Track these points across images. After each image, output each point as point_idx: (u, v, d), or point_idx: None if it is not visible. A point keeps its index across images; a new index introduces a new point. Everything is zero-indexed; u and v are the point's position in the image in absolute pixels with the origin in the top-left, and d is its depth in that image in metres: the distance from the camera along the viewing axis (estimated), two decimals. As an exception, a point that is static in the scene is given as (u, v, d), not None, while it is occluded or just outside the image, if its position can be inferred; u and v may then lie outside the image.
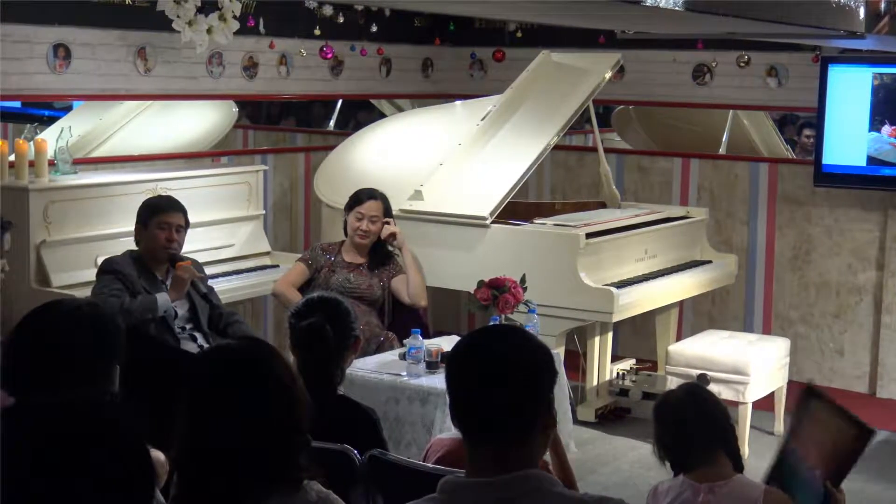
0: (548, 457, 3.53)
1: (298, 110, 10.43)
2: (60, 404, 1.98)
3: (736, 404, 6.31)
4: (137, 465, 1.93)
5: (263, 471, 2.49)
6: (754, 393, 6.50)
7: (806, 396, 3.47)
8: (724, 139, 8.74)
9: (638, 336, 8.20)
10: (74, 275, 6.00)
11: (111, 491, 1.87)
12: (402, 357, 5.48)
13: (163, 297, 5.48)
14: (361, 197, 6.37)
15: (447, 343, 5.54)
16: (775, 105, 8.35)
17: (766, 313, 8.13)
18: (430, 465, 3.69)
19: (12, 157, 6.16)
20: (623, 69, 8.19)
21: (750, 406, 6.47)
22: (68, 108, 8.20)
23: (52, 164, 6.28)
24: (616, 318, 6.56)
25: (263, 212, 7.38)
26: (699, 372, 6.47)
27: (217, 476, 2.48)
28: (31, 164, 6.13)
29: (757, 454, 5.95)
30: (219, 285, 6.24)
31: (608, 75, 7.38)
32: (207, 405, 2.54)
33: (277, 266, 7.03)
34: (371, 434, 3.99)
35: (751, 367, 6.47)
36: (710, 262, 7.57)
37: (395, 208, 6.55)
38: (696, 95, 8.33)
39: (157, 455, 2.78)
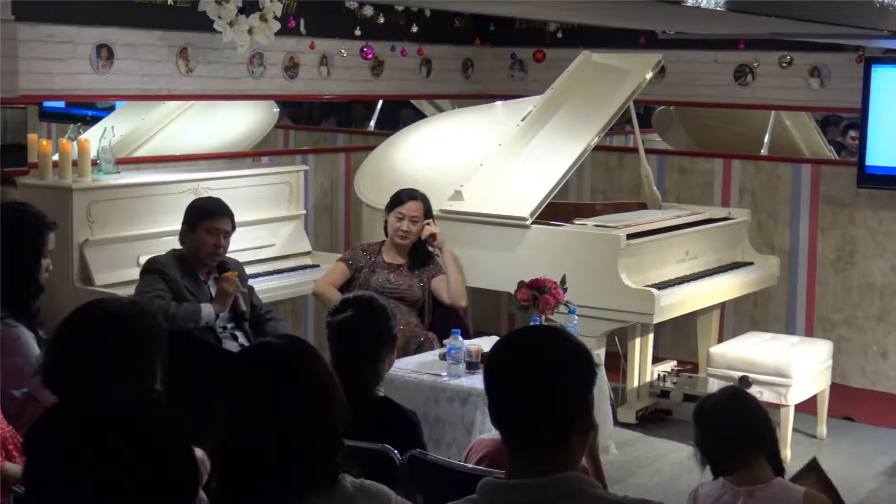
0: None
1: (339, 110, 10.45)
2: (103, 403, 1.99)
3: (778, 407, 6.28)
4: (182, 463, 1.93)
5: (301, 469, 2.50)
6: (796, 396, 6.45)
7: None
8: (766, 140, 8.69)
9: (679, 337, 8.16)
10: (117, 274, 6.04)
11: (156, 490, 1.87)
12: (443, 357, 5.48)
13: (207, 309, 5.50)
14: (402, 197, 6.37)
15: (487, 343, 5.53)
16: (818, 106, 8.29)
17: (808, 315, 8.07)
18: (469, 465, 3.69)
19: (56, 157, 6.21)
20: (664, 69, 8.16)
21: (792, 409, 6.43)
22: (111, 109, 8.26)
23: (95, 163, 6.32)
24: (657, 319, 6.53)
25: (304, 212, 7.40)
26: (741, 374, 6.44)
27: (255, 474, 2.49)
28: (75, 163, 6.17)
29: (798, 457, 5.90)
30: (259, 285, 6.26)
31: (649, 76, 7.35)
32: (245, 404, 2.55)
33: (318, 266, 7.05)
34: (411, 437, 3.99)
35: (793, 369, 6.42)
36: (751, 263, 7.52)
37: (435, 209, 6.55)
38: (738, 96, 8.28)
39: (198, 453, 2.80)
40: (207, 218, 5.61)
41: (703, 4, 3.73)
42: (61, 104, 8.48)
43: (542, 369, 2.35)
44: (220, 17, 6.66)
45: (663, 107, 9.14)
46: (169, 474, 1.90)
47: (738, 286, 7.33)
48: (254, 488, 2.49)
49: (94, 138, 6.52)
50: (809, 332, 7.96)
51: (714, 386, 6.48)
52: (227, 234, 5.66)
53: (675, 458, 6.47)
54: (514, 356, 2.42)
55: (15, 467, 3.75)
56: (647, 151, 8.02)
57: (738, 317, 8.22)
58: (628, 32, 8.28)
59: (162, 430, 1.93)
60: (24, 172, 5.88)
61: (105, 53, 6.57)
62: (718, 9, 3.80)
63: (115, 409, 1.95)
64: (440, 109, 9.12)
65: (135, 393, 2.17)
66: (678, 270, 6.95)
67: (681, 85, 8.46)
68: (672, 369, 7.32)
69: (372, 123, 10.01)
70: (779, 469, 3.61)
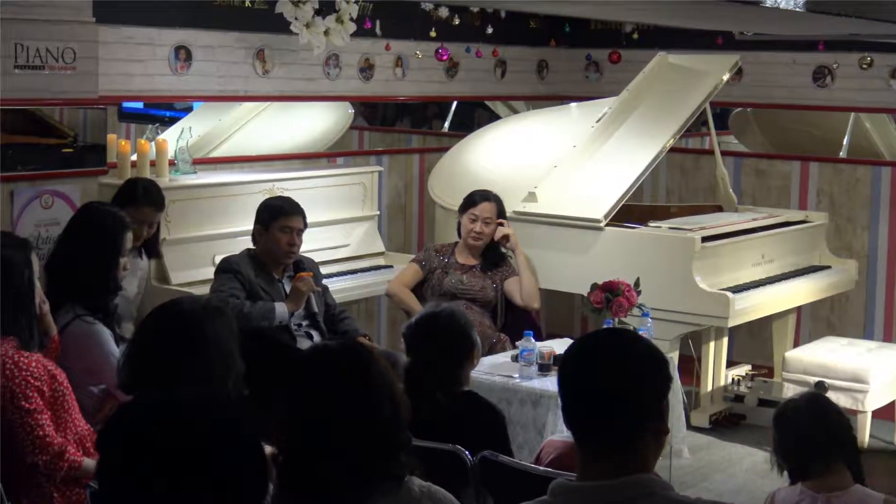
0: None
1: (413, 111, 10.48)
2: (175, 401, 2.01)
3: (855, 413, 6.19)
4: (252, 462, 1.95)
5: (365, 469, 2.51)
6: (874, 402, 6.36)
7: None
8: (844, 142, 8.57)
9: (754, 341, 8.07)
10: (193, 273, 6.10)
11: (226, 487, 1.89)
12: (515, 359, 5.47)
13: (281, 309, 5.55)
14: (475, 198, 6.38)
15: (560, 345, 5.52)
16: (899, 108, 8.17)
17: (887, 320, 7.95)
18: (541, 467, 3.68)
19: (134, 157, 6.29)
20: (741, 71, 8.09)
21: (869, 415, 6.34)
22: (189, 109, 8.35)
23: (172, 163, 6.39)
24: (732, 323, 6.48)
25: (378, 212, 7.42)
26: (817, 379, 6.36)
27: (318, 474, 2.50)
28: (153, 163, 6.25)
29: (876, 464, 5.84)
30: (333, 285, 6.30)
31: (726, 77, 7.29)
32: (308, 405, 2.57)
33: (391, 266, 7.07)
34: (494, 428, 4.04)
35: (870, 375, 6.34)
36: (829, 267, 7.43)
37: (508, 210, 6.55)
38: (817, 98, 8.18)
39: (269, 451, 2.82)
40: (281, 216, 5.66)
41: (782, 5, 3.69)
42: (140, 105, 8.59)
43: (616, 372, 2.34)
44: (296, 18, 6.71)
45: (740, 108, 9.06)
46: (239, 472, 1.91)
47: (815, 290, 7.25)
48: (316, 488, 2.50)
49: (172, 139, 6.60)
50: (888, 338, 7.83)
51: (789, 391, 6.42)
52: (300, 232, 5.71)
53: (748, 464, 6.41)
54: (589, 358, 2.41)
55: (92, 463, 3.80)
56: (724, 153, 7.96)
57: (814, 321, 8.11)
58: (705, 33, 8.22)
59: (233, 428, 1.94)
60: (104, 172, 5.96)
61: (183, 55, 6.65)
62: (797, 9, 3.76)
63: (187, 408, 1.97)
64: (514, 111, 9.11)
65: (207, 391, 2.19)
66: (754, 274, 6.88)
67: (758, 86, 8.37)
68: (747, 373, 7.25)
69: (446, 125, 10.02)
70: (858, 476, 3.57)
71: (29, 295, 4.02)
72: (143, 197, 5.56)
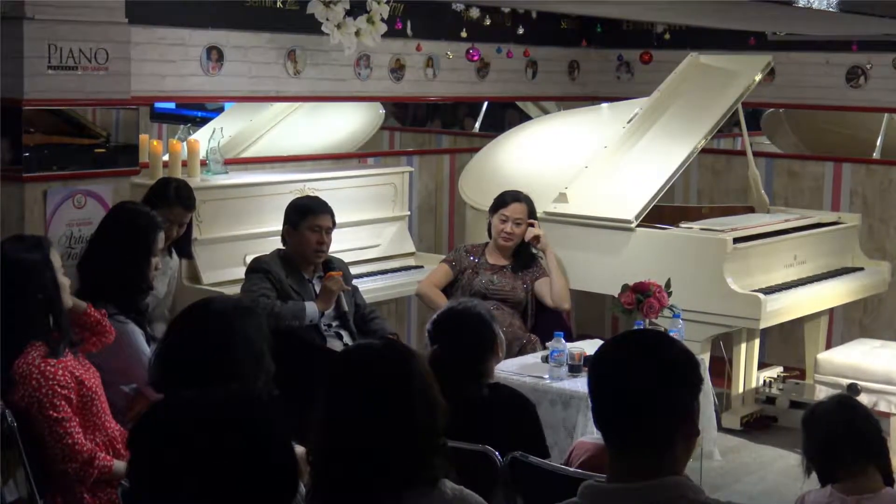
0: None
1: (444, 112, 10.48)
2: (204, 400, 2.01)
3: (888, 416, 6.15)
4: (282, 461, 1.95)
5: (398, 470, 2.51)
6: (907, 404, 6.32)
7: None
8: (878, 143, 8.52)
9: (786, 343, 8.03)
10: (224, 272, 6.12)
11: (256, 487, 1.89)
12: (545, 360, 5.46)
13: (311, 308, 5.56)
14: (506, 199, 6.37)
15: (590, 346, 5.51)
16: (933, 108, 8.11)
17: (920, 322, 7.89)
18: (571, 468, 3.68)
19: (166, 157, 6.31)
20: (773, 71, 8.04)
21: (902, 417, 6.30)
22: (220, 110, 8.39)
23: (203, 164, 6.42)
24: (763, 324, 6.45)
25: (409, 213, 7.43)
26: (849, 381, 6.32)
27: (352, 473, 2.50)
28: (184, 163, 6.27)
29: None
30: (364, 285, 6.31)
31: (758, 77, 7.25)
32: (344, 404, 2.57)
33: (422, 267, 7.07)
34: (525, 416, 4.04)
35: (904, 377, 6.29)
36: (862, 269, 7.38)
37: (539, 211, 6.54)
38: (850, 98, 8.13)
39: (299, 450, 2.82)
40: (309, 215, 5.68)
41: (815, 5, 3.67)
42: (172, 105, 8.63)
43: (647, 374, 2.33)
44: (327, 19, 6.72)
45: (772, 109, 9.02)
46: (269, 471, 1.92)
47: (848, 292, 7.20)
48: (350, 487, 2.50)
49: (204, 139, 6.62)
50: (921, 340, 7.78)
51: (822, 393, 6.38)
52: (329, 231, 5.73)
53: (780, 466, 6.38)
54: (620, 359, 2.40)
55: (123, 465, 3.82)
56: (756, 154, 7.92)
57: (847, 323, 8.06)
58: (737, 33, 8.18)
59: (263, 428, 1.95)
60: (136, 172, 5.99)
61: (215, 55, 6.67)
62: (830, 10, 3.74)
63: (217, 407, 1.98)
64: (545, 111, 9.09)
65: (236, 390, 2.20)
66: (786, 275, 6.85)
67: (791, 87, 8.33)
68: (778, 375, 7.22)
69: (477, 125, 10.02)
70: (889, 479, 3.55)
71: (54, 295, 4.02)
72: (175, 197, 5.59)
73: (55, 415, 3.81)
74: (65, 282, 4.12)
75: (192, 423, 1.93)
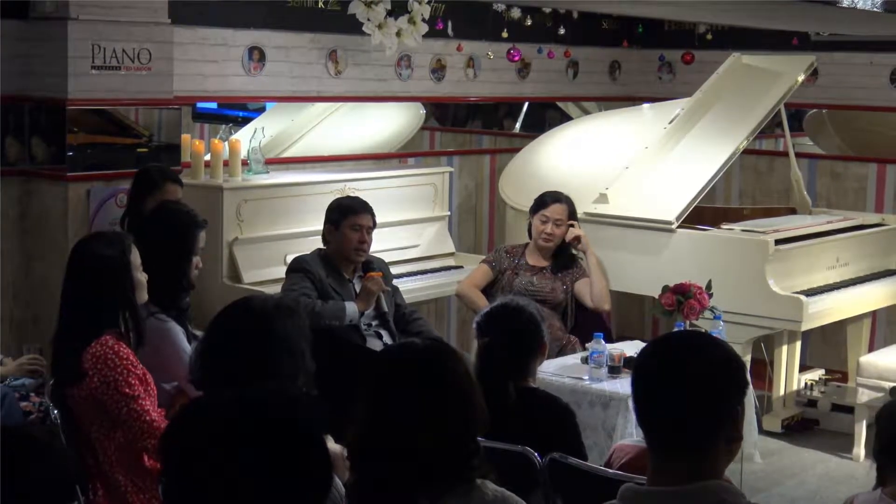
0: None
1: (485, 112, 10.48)
2: (239, 399, 2.02)
3: (930, 420, 6.08)
4: (315, 460, 1.95)
5: (438, 469, 2.51)
6: (951, 408, 6.25)
7: None
8: (923, 144, 8.45)
9: (828, 346, 7.97)
10: (264, 272, 6.15)
11: (289, 486, 1.90)
12: (585, 361, 5.45)
13: (352, 308, 5.57)
14: (546, 200, 6.36)
15: (630, 348, 5.49)
16: (979, 109, 8.03)
17: (964, 326, 7.82)
18: (611, 470, 3.67)
19: (208, 157, 6.35)
20: (817, 72, 7.99)
21: (946, 422, 6.23)
22: (262, 110, 8.42)
23: (245, 163, 6.45)
24: (805, 326, 6.41)
25: (449, 213, 7.43)
26: (892, 385, 6.27)
27: (392, 473, 2.51)
28: (226, 163, 6.30)
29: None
30: (404, 285, 6.31)
31: (801, 78, 7.20)
32: (385, 403, 2.57)
33: (461, 267, 7.07)
34: (563, 423, 4.04)
35: (947, 381, 6.23)
36: (905, 271, 7.32)
37: (579, 211, 6.52)
38: (894, 99, 8.06)
39: (338, 449, 2.83)
40: (350, 215, 5.69)
41: (860, 5, 3.65)
42: (214, 105, 8.67)
43: (693, 375, 2.31)
44: (369, 19, 6.74)
45: (815, 110, 8.96)
46: (302, 471, 1.92)
47: (891, 294, 7.14)
48: (390, 486, 2.51)
49: (245, 139, 6.65)
50: (965, 344, 7.71)
51: (864, 397, 6.34)
52: (370, 230, 5.74)
53: (821, 470, 6.33)
54: (666, 359, 2.38)
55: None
56: (798, 155, 7.87)
57: (890, 326, 7.98)
58: (780, 34, 8.13)
59: (296, 427, 1.95)
60: (178, 172, 6.03)
61: (257, 55, 6.70)
62: (875, 10, 3.71)
63: (251, 406, 1.98)
64: (586, 112, 9.08)
65: (272, 389, 2.20)
66: (828, 277, 6.80)
67: (834, 87, 8.27)
68: (820, 378, 7.17)
69: (517, 125, 10.01)
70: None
71: (129, 292, 4.06)
72: (162, 177, 5.55)
73: (130, 392, 3.87)
74: (142, 279, 4.15)
75: (223, 422, 1.94)
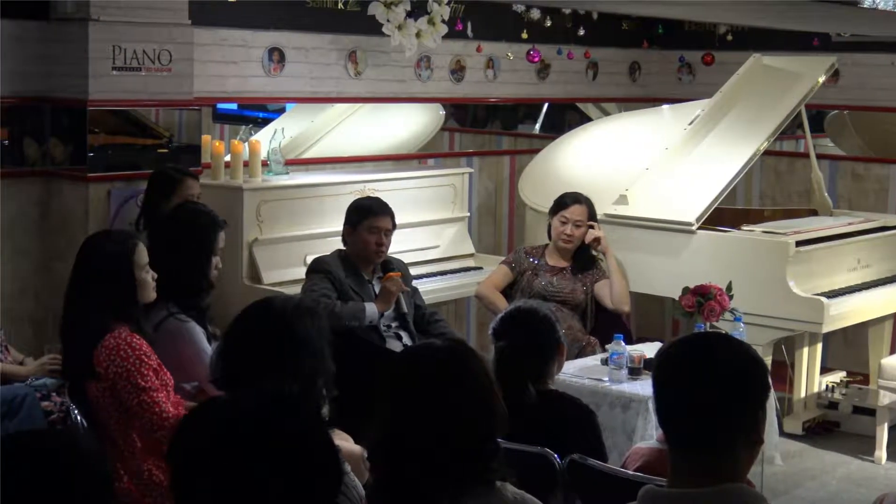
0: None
1: (504, 113, 10.48)
2: (246, 402, 2.02)
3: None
4: (321, 463, 1.95)
5: (457, 470, 2.50)
6: (973, 411, 6.23)
7: None
8: (945, 145, 8.41)
9: (849, 348, 7.94)
10: (284, 272, 6.15)
11: (294, 488, 1.89)
12: (604, 362, 5.44)
13: (371, 309, 5.56)
14: (566, 201, 6.35)
15: (650, 349, 5.48)
16: None
17: None
18: (630, 472, 3.66)
19: (228, 158, 6.36)
20: (838, 72, 7.95)
21: (968, 425, 6.21)
22: (281, 110, 8.43)
23: (265, 164, 6.45)
24: (826, 328, 6.38)
25: (468, 214, 7.43)
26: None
27: (411, 473, 2.50)
28: (246, 164, 6.31)
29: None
30: (423, 286, 6.31)
31: (822, 79, 7.18)
32: (404, 403, 2.57)
33: (481, 268, 7.07)
34: (584, 424, 4.03)
35: (970, 383, 6.20)
36: (927, 273, 7.28)
37: (599, 212, 6.51)
38: (916, 100, 8.03)
39: (358, 450, 2.83)
40: (369, 216, 5.68)
41: (881, 6, 3.63)
42: (234, 106, 8.69)
43: (719, 375, 2.30)
44: (388, 20, 6.74)
45: (836, 111, 8.92)
46: (309, 472, 1.92)
47: (913, 296, 7.11)
48: (410, 487, 2.50)
49: (265, 140, 6.66)
50: None
51: (885, 399, 6.32)
52: (389, 232, 5.72)
53: (842, 472, 6.31)
54: (690, 360, 2.37)
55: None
56: (819, 157, 7.84)
57: (912, 328, 7.95)
58: (800, 35, 8.10)
59: (303, 428, 1.95)
60: (198, 172, 6.04)
61: (276, 56, 6.71)
62: (896, 10, 3.70)
63: (250, 409, 1.98)
64: (606, 113, 9.06)
65: (275, 391, 2.20)
66: (849, 279, 6.77)
67: (855, 88, 8.24)
68: (841, 380, 7.13)
69: (537, 126, 10.01)
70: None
71: (128, 288, 4.08)
72: (180, 172, 5.57)
73: (143, 384, 3.89)
74: (147, 279, 4.17)
75: (227, 423, 1.94)
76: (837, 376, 7.23)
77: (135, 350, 3.93)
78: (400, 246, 6.15)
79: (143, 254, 4.16)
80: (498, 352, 4.09)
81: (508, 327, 4.15)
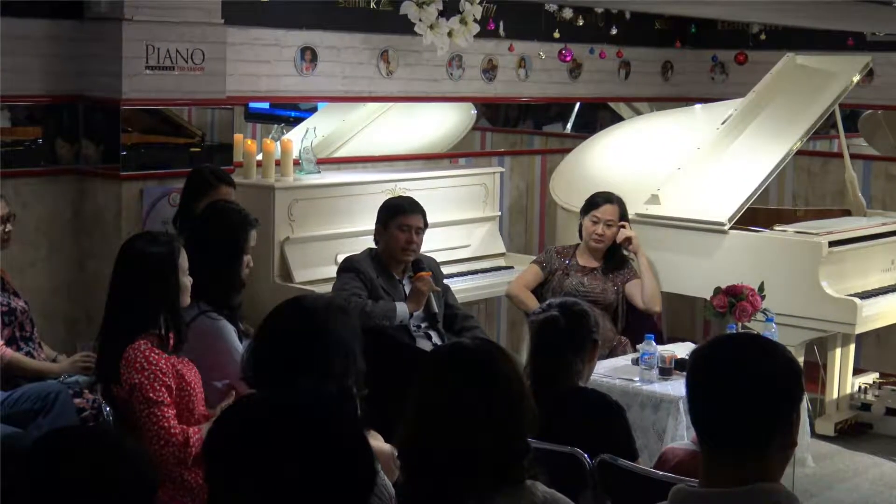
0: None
1: (536, 113, 10.46)
2: (280, 400, 2.03)
3: None
4: (357, 461, 1.95)
5: (487, 469, 2.51)
6: None
7: None
8: (980, 146, 8.34)
9: (882, 349, 7.89)
10: (315, 271, 6.17)
11: (329, 486, 1.90)
12: (635, 362, 5.43)
13: (402, 308, 5.57)
14: (598, 200, 6.34)
15: (681, 349, 5.46)
16: None
17: None
18: (661, 472, 3.65)
19: (260, 157, 6.38)
20: (872, 72, 7.91)
21: None
22: (313, 110, 8.45)
23: (297, 163, 6.47)
24: (859, 329, 6.35)
25: (499, 213, 7.42)
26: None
27: (442, 472, 2.51)
28: (278, 163, 6.33)
29: None
30: (454, 285, 6.31)
31: (856, 78, 7.14)
32: (435, 402, 2.57)
33: (512, 268, 7.06)
34: (612, 421, 4.03)
35: None
36: (962, 274, 7.22)
37: (631, 212, 6.50)
38: (951, 100, 7.98)
39: (388, 449, 2.83)
40: (399, 215, 5.69)
41: (915, 5, 3.60)
42: (266, 105, 8.72)
43: (755, 376, 2.29)
44: (420, 20, 6.75)
45: (870, 111, 8.87)
46: (343, 471, 1.92)
47: (947, 298, 7.05)
48: (440, 486, 2.50)
49: (297, 139, 6.68)
50: None
51: (918, 401, 6.28)
52: (420, 231, 5.72)
53: (874, 474, 6.26)
54: (725, 360, 2.36)
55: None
56: (853, 157, 7.79)
57: (946, 329, 7.89)
58: (835, 34, 8.06)
59: (338, 427, 1.95)
60: (230, 171, 6.06)
61: (309, 56, 6.73)
62: (931, 9, 3.67)
63: (285, 407, 1.98)
64: (638, 112, 9.04)
65: (312, 389, 2.21)
66: (882, 280, 6.73)
67: (890, 88, 8.19)
68: (874, 382, 7.09)
69: (569, 126, 9.99)
70: None
71: (173, 294, 4.08)
72: (216, 178, 5.59)
73: (153, 397, 3.88)
74: (186, 283, 4.18)
75: (264, 422, 1.95)
76: (870, 377, 7.18)
77: (150, 364, 3.91)
78: (431, 245, 6.15)
79: (185, 257, 4.18)
80: (539, 323, 4.13)
81: (551, 305, 4.20)
